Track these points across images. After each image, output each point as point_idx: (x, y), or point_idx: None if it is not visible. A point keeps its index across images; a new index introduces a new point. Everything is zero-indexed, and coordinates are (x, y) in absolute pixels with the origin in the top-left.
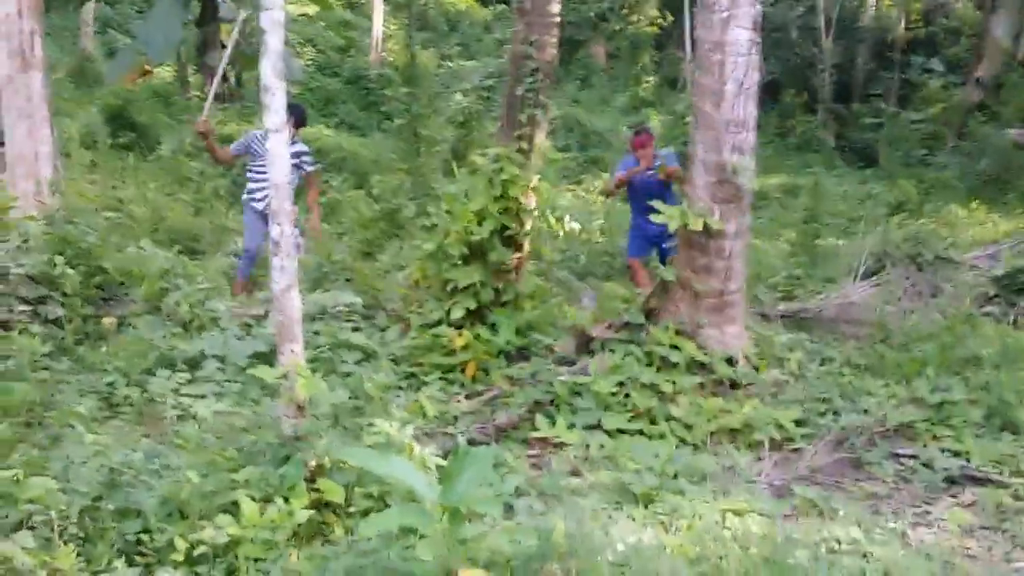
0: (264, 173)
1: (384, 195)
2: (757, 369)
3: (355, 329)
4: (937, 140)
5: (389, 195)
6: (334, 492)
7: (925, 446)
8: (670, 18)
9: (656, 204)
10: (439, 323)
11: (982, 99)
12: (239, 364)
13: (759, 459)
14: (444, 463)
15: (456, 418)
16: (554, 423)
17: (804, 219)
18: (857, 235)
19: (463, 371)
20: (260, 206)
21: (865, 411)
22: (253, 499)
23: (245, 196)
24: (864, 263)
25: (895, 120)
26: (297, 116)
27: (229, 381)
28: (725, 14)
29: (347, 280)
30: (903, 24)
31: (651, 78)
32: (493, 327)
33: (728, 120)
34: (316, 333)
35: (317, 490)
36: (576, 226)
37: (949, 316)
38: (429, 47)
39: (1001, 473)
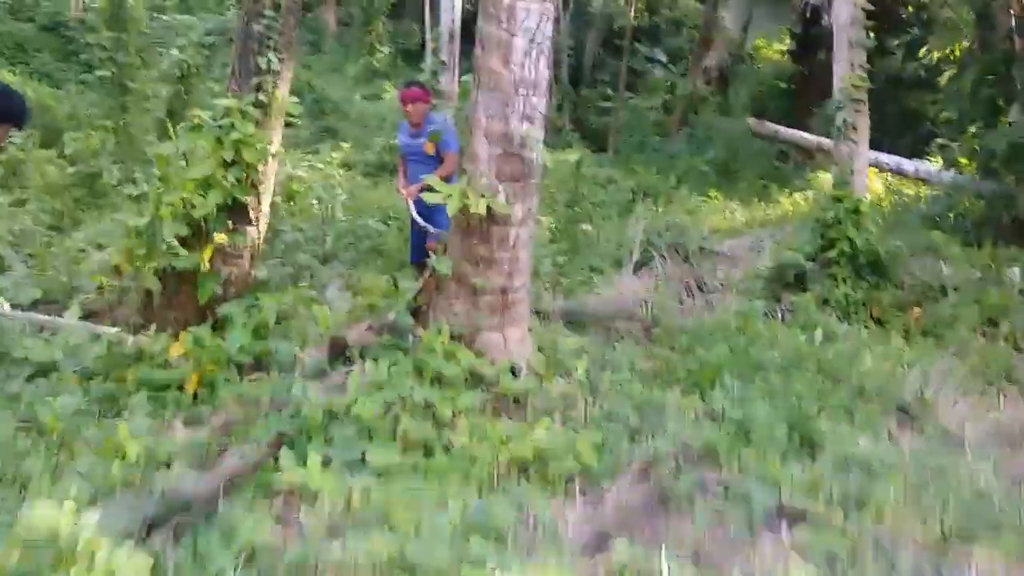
0: None
1: (81, 156)
2: (542, 379)
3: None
4: (664, 128)
5: (87, 156)
6: None
7: (733, 472)
8: None
9: (427, 179)
10: (148, 324)
11: (710, 88)
12: None
13: (562, 498)
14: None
15: (170, 457)
16: (304, 461)
17: (567, 203)
18: (611, 220)
19: (181, 388)
20: None
21: (665, 431)
22: None
23: None
24: (634, 254)
25: (625, 106)
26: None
27: None
28: None
29: (26, 263)
30: (631, 13)
31: (386, 48)
32: (221, 329)
33: (518, 80)
34: None
35: None
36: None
37: (726, 313)
38: None
39: (815, 502)
